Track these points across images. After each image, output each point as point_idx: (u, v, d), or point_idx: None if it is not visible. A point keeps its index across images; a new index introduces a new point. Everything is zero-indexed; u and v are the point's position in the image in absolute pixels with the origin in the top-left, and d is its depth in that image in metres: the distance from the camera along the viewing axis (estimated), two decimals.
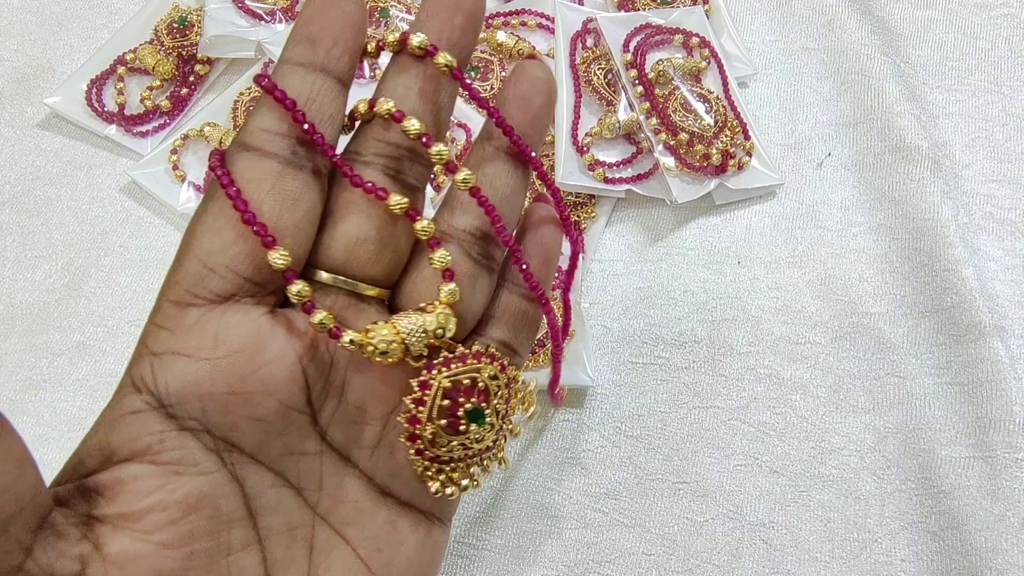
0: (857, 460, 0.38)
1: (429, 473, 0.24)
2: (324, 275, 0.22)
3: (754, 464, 0.38)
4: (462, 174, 0.22)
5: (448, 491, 0.24)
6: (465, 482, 0.24)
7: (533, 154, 0.24)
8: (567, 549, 0.37)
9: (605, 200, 0.45)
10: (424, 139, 0.21)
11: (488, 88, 0.47)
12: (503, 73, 0.48)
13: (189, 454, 0.20)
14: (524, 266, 0.24)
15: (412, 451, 0.23)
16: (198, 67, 0.49)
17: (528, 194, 0.29)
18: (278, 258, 0.20)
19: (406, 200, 0.22)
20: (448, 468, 0.24)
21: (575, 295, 0.41)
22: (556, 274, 0.41)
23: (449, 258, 0.22)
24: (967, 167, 0.45)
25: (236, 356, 0.20)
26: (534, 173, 0.25)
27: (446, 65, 0.22)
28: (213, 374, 0.20)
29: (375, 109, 0.22)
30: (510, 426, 0.25)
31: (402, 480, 0.24)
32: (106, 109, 0.48)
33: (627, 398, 0.40)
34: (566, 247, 0.44)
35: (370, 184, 0.21)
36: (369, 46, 0.23)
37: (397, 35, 0.22)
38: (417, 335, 0.21)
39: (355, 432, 0.23)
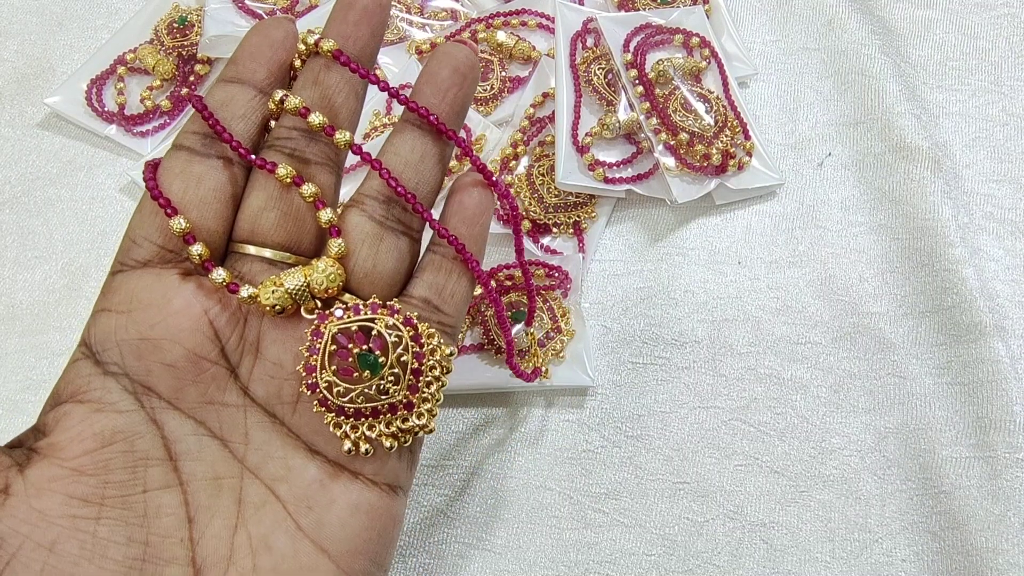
0: (858, 460, 0.38)
1: (341, 430, 0.24)
2: (250, 248, 0.25)
3: (754, 464, 0.38)
4: (341, 134, 0.25)
5: (363, 449, 0.24)
6: (388, 443, 0.24)
7: (435, 120, 0.26)
8: (567, 549, 0.37)
9: (605, 200, 0.45)
10: (327, 129, 0.25)
11: (488, 88, 0.47)
12: (503, 73, 0.48)
13: (108, 394, 0.23)
14: (420, 208, 0.25)
15: (315, 402, 0.24)
16: (198, 67, 0.49)
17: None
18: (175, 224, 0.23)
19: (292, 170, 0.24)
20: (359, 423, 0.24)
21: (574, 295, 0.41)
22: (556, 274, 0.41)
23: (332, 216, 0.25)
24: (967, 167, 0.45)
25: (146, 308, 0.24)
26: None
27: (328, 50, 0.25)
28: (127, 324, 0.23)
29: (285, 106, 0.25)
30: (431, 390, 0.24)
31: (325, 437, 0.25)
32: (106, 109, 0.48)
33: (627, 398, 0.40)
34: (575, 256, 0.43)
35: (260, 160, 0.25)
36: (296, 62, 0.27)
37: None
38: (299, 287, 0.24)
39: (275, 388, 0.25)
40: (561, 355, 0.40)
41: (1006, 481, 0.36)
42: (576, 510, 0.37)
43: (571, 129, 0.44)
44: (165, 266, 0.24)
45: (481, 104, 0.47)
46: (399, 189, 0.25)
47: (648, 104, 0.43)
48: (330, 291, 0.24)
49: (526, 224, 0.43)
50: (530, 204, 0.44)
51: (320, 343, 0.23)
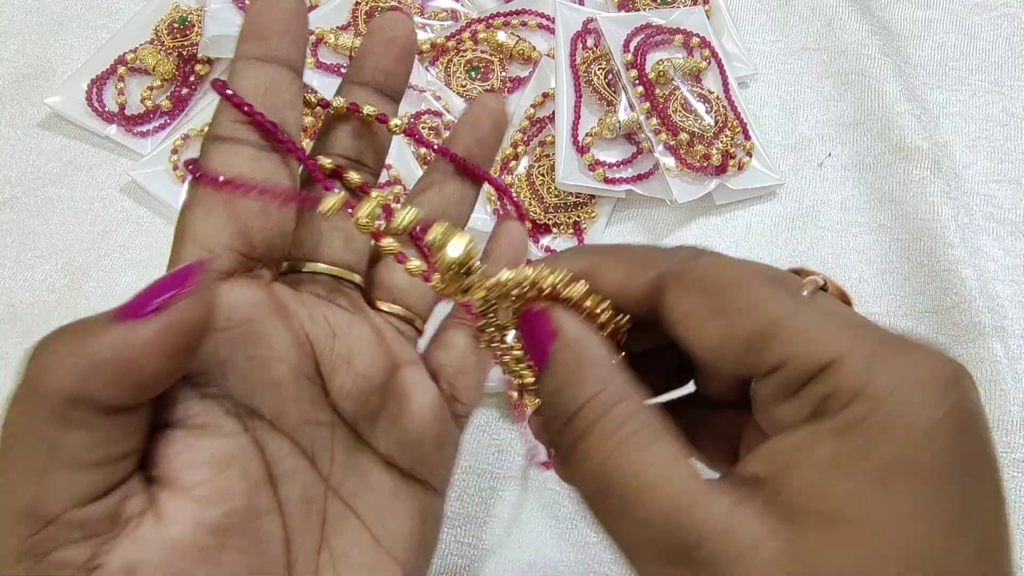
0: None
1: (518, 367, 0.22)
2: (320, 266, 0.25)
3: None
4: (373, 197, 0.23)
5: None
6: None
7: (477, 169, 0.27)
8: (567, 549, 0.37)
9: (605, 200, 0.45)
10: (363, 187, 0.25)
11: (488, 88, 0.47)
12: (503, 73, 0.48)
13: (213, 419, 0.21)
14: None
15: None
16: (198, 67, 0.49)
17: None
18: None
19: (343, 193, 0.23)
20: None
21: None
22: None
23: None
24: (967, 167, 0.45)
25: (247, 325, 0.22)
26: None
27: (368, 114, 0.25)
28: (231, 343, 0.22)
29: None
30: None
31: (403, 448, 0.25)
32: (106, 109, 0.48)
33: None
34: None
35: (328, 183, 0.24)
36: (311, 99, 0.25)
37: (341, 102, 0.25)
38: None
39: (362, 402, 0.24)
40: None
41: (1004, 481, 0.36)
42: (576, 510, 0.37)
43: (571, 129, 0.44)
44: (250, 276, 0.23)
45: None
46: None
47: (648, 104, 0.43)
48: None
49: (526, 224, 0.43)
50: (530, 204, 0.44)
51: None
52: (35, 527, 0.18)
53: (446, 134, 0.45)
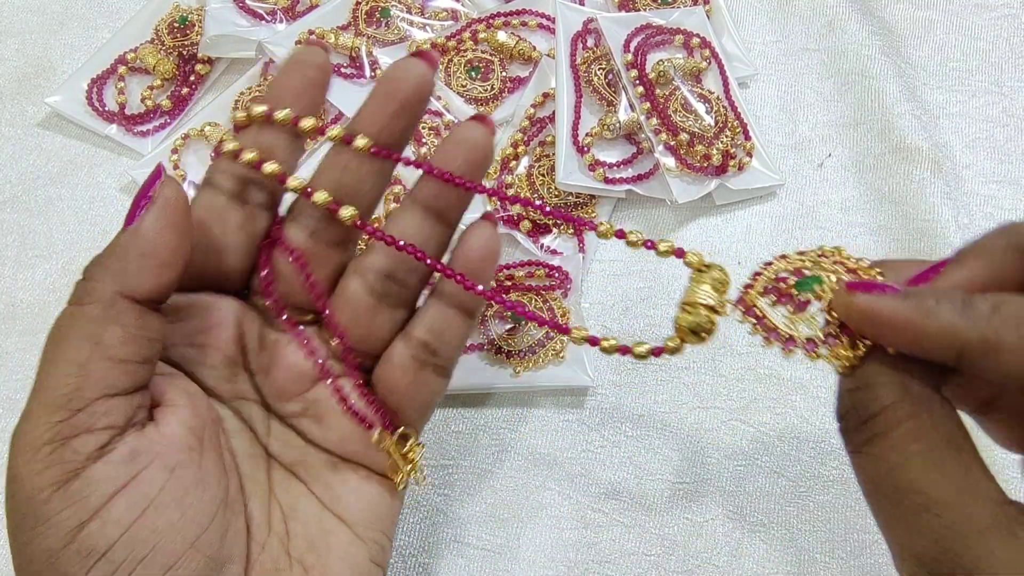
0: None
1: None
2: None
3: (754, 465, 0.38)
4: (346, 210, 0.26)
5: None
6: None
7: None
8: (567, 549, 0.37)
9: (605, 200, 0.45)
10: (358, 223, 0.27)
11: (488, 88, 0.47)
12: (503, 73, 0.48)
13: (180, 376, 0.26)
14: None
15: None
16: (199, 67, 0.49)
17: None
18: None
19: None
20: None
21: (574, 295, 0.41)
22: (556, 274, 0.41)
23: None
24: (968, 168, 0.45)
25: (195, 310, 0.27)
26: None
27: (364, 147, 0.26)
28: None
29: (314, 199, 0.26)
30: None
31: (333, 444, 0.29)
32: (107, 108, 0.48)
33: (627, 398, 0.40)
34: (575, 256, 0.43)
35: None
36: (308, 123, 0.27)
37: (336, 131, 0.27)
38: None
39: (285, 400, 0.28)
40: (561, 355, 0.40)
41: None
42: (576, 510, 0.37)
43: (571, 129, 0.44)
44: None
45: (481, 104, 0.47)
46: (420, 258, 0.26)
47: (648, 104, 0.43)
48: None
49: (526, 224, 0.43)
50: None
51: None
52: (69, 413, 0.22)
53: (446, 134, 0.45)
